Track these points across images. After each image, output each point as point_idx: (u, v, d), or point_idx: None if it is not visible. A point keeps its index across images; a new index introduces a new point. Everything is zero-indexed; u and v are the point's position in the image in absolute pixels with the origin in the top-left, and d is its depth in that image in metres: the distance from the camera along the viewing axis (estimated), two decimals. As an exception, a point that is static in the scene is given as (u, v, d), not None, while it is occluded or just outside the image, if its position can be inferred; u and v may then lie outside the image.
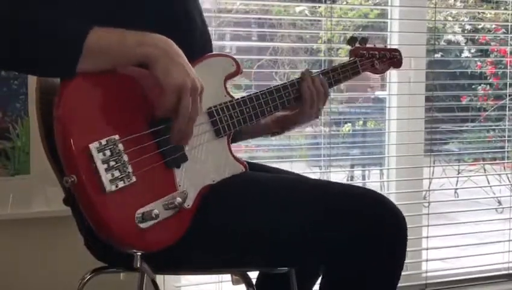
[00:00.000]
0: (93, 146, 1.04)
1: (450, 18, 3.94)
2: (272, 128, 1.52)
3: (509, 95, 2.91)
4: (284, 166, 1.70)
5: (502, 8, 3.15)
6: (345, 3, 2.90)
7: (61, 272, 2.01)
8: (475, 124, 3.19)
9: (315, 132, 2.65)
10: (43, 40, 1.05)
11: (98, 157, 1.04)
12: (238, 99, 1.32)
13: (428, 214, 2.68)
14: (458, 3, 3.89)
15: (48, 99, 1.31)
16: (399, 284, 1.29)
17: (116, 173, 1.06)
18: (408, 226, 1.29)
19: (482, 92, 3.60)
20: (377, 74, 1.66)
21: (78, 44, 1.06)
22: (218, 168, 1.25)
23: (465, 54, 3.94)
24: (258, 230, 1.22)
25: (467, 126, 3.16)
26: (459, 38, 3.96)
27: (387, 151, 2.70)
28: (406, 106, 2.61)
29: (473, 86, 3.53)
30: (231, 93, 1.33)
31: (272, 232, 1.22)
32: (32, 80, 1.95)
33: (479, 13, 3.96)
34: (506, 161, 3.09)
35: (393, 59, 1.65)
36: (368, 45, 1.62)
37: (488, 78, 3.81)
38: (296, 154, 2.73)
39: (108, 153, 1.06)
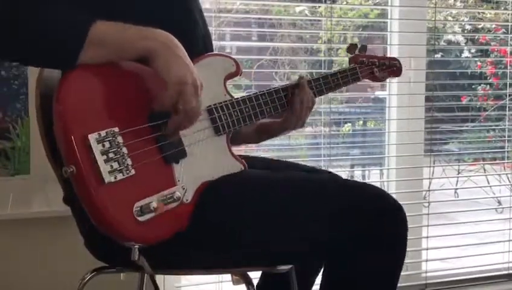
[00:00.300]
0: (92, 137, 1.05)
1: (450, 18, 3.94)
2: (252, 136, 1.51)
3: (509, 95, 2.91)
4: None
5: (502, 8, 3.15)
6: (345, 3, 2.90)
7: (61, 272, 2.01)
8: (475, 124, 3.19)
9: (315, 132, 2.65)
10: (46, 31, 1.05)
11: (97, 148, 1.05)
12: (237, 98, 1.32)
13: (428, 214, 2.68)
14: (458, 3, 3.89)
15: (47, 97, 1.31)
16: (399, 284, 1.30)
17: (115, 165, 1.06)
18: (408, 226, 1.29)
19: (482, 92, 3.60)
20: (377, 81, 1.67)
21: (80, 35, 1.06)
22: (217, 165, 1.26)
23: (465, 54, 3.94)
24: (257, 227, 1.22)
25: (467, 126, 3.15)
26: (459, 38, 3.96)
27: (387, 151, 2.70)
28: (406, 106, 2.61)
29: (473, 86, 3.53)
30: (231, 93, 1.33)
31: (271, 230, 1.23)
32: (32, 80, 1.95)
33: (479, 13, 3.96)
34: (506, 161, 3.09)
35: (392, 67, 1.67)
36: (367, 53, 1.63)
37: (488, 78, 3.81)
38: (296, 154, 2.73)
39: (107, 144, 1.06)
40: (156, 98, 1.13)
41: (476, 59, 3.62)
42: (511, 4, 2.92)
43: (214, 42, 1.50)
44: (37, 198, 2.04)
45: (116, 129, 1.09)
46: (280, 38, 2.97)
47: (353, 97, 3.04)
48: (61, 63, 1.09)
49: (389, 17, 2.65)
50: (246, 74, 2.67)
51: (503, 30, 3.30)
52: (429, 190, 2.84)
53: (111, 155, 1.06)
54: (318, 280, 1.43)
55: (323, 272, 1.35)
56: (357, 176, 3.50)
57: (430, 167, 2.73)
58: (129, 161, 1.08)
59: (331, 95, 2.40)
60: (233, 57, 1.36)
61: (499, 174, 3.53)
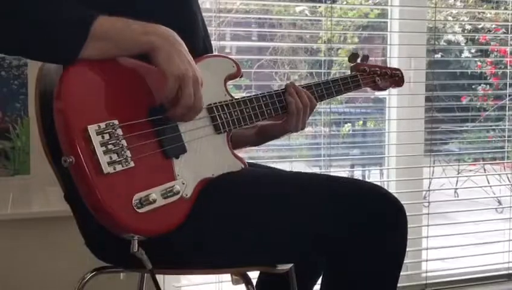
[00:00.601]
0: (92, 128, 1.06)
1: (450, 18, 3.94)
2: (252, 139, 1.52)
3: (509, 95, 2.92)
4: (284, 166, 1.70)
5: (502, 8, 3.15)
6: (345, 3, 2.90)
7: (61, 272, 2.00)
8: (475, 124, 3.19)
9: (315, 132, 2.65)
10: (48, 24, 1.05)
11: (96, 139, 1.06)
12: (238, 99, 1.33)
13: (428, 214, 2.68)
14: (458, 3, 3.89)
15: (47, 96, 1.31)
16: (399, 284, 1.30)
17: (114, 157, 1.07)
18: (408, 226, 1.30)
19: (482, 92, 3.60)
20: (378, 90, 1.68)
21: (83, 29, 1.07)
22: (217, 163, 1.26)
23: (465, 54, 3.94)
24: (257, 225, 1.22)
25: (467, 126, 3.16)
26: (459, 38, 3.96)
27: (387, 151, 2.70)
28: (406, 106, 2.62)
29: (473, 86, 3.53)
30: (231, 93, 1.33)
31: (272, 227, 1.23)
32: (32, 80, 1.95)
33: (479, 13, 3.96)
34: (506, 161, 3.09)
35: (394, 77, 1.67)
36: (369, 62, 1.64)
37: (488, 78, 3.81)
38: (296, 154, 2.74)
39: (107, 136, 1.07)
40: (157, 92, 1.14)
41: (476, 59, 3.62)
42: (511, 4, 2.92)
43: (214, 42, 1.51)
44: (37, 198, 2.05)
45: (116, 122, 1.09)
46: (280, 38, 2.97)
47: (353, 97, 3.04)
48: (63, 57, 1.09)
49: (389, 17, 2.66)
50: (246, 74, 2.67)
51: (503, 30, 3.31)
52: (429, 190, 2.84)
53: (110, 147, 1.07)
54: (318, 280, 1.43)
55: (323, 271, 1.35)
56: (357, 176, 3.50)
57: (430, 167, 2.73)
58: (128, 153, 1.09)
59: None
60: (234, 58, 1.36)
61: (499, 174, 3.53)
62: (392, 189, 2.65)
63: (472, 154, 3.49)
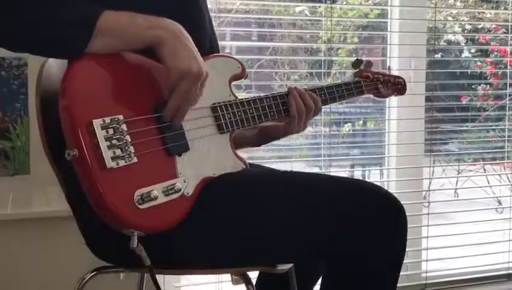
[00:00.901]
0: (96, 122, 1.06)
1: (450, 18, 3.94)
2: (254, 139, 1.52)
3: (509, 95, 2.92)
4: (284, 166, 1.71)
5: (502, 8, 3.15)
6: (345, 3, 2.90)
7: (61, 272, 2.00)
8: (475, 124, 3.19)
9: (315, 132, 2.65)
10: (54, 19, 1.05)
11: (100, 133, 1.06)
12: (242, 99, 1.33)
13: (428, 214, 2.68)
14: (458, 3, 3.89)
15: (47, 96, 1.31)
16: (399, 284, 1.30)
17: (118, 152, 1.07)
18: (408, 226, 1.30)
19: (482, 92, 3.60)
20: (381, 97, 1.68)
21: (89, 24, 1.07)
22: (219, 162, 1.26)
23: (465, 54, 3.94)
24: (257, 225, 1.22)
25: (466, 126, 3.16)
26: (459, 38, 3.96)
27: (387, 151, 2.70)
28: (406, 106, 2.62)
29: (473, 86, 3.53)
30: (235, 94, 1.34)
31: (272, 227, 1.23)
32: (32, 80, 1.95)
33: (479, 13, 3.96)
34: (506, 161, 3.09)
35: (397, 85, 1.68)
36: (372, 69, 1.64)
37: (488, 78, 3.81)
38: (296, 154, 2.74)
39: (111, 131, 1.07)
40: (162, 88, 1.15)
41: (476, 59, 3.62)
42: (511, 4, 2.92)
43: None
44: (37, 198, 2.05)
45: (121, 117, 1.09)
46: (280, 38, 2.97)
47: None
48: (69, 52, 1.10)
49: (389, 17, 2.66)
50: (246, 74, 2.67)
51: (503, 30, 3.31)
52: (429, 190, 2.84)
53: (114, 142, 1.07)
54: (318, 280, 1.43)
55: (323, 271, 1.35)
56: (357, 176, 3.51)
57: (430, 167, 2.73)
58: (132, 149, 1.09)
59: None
60: (239, 57, 1.37)
61: (499, 174, 3.53)
62: (392, 189, 2.65)
63: (472, 154, 3.49)
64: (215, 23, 2.26)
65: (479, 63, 3.63)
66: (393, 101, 2.65)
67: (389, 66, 1.92)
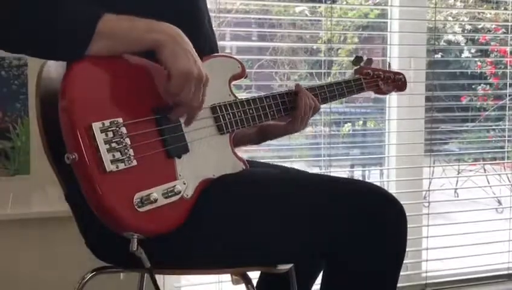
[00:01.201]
0: (96, 125, 1.06)
1: (450, 18, 3.94)
2: (253, 137, 1.52)
3: (509, 95, 2.92)
4: (284, 166, 1.70)
5: (502, 8, 3.15)
6: (345, 3, 2.90)
7: (61, 272, 2.01)
8: (475, 124, 3.19)
9: (315, 132, 2.65)
10: (54, 21, 1.05)
11: (100, 137, 1.06)
12: (242, 99, 1.33)
13: (428, 214, 2.68)
14: (458, 3, 3.89)
15: (47, 96, 1.31)
16: (399, 284, 1.30)
17: (117, 155, 1.07)
18: (408, 226, 1.30)
19: (482, 92, 3.60)
20: (381, 94, 1.69)
21: (89, 27, 1.07)
22: (219, 163, 1.26)
23: (465, 54, 3.94)
24: (257, 226, 1.22)
25: (467, 126, 3.16)
26: (459, 38, 3.96)
27: (387, 151, 2.70)
28: (406, 106, 2.62)
29: (473, 86, 3.53)
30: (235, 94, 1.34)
31: (272, 227, 1.23)
32: (32, 80, 1.95)
33: (479, 13, 3.96)
34: (506, 161, 3.09)
35: (397, 82, 1.68)
36: (373, 66, 1.64)
37: (488, 78, 3.81)
38: (296, 154, 2.74)
39: (110, 134, 1.07)
40: (161, 90, 1.15)
41: (476, 59, 3.62)
42: (511, 4, 2.92)
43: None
44: (37, 198, 2.04)
45: (120, 120, 1.09)
46: (280, 38, 2.97)
47: (353, 97, 3.03)
48: (69, 54, 1.10)
49: (389, 17, 2.66)
50: (246, 74, 2.66)
51: (503, 30, 3.31)
52: (429, 190, 2.84)
53: (114, 145, 1.07)
54: (318, 280, 1.43)
55: (323, 272, 1.35)
56: (357, 176, 3.50)
57: (430, 167, 2.73)
58: (131, 152, 1.09)
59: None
60: (238, 57, 1.37)
61: (499, 174, 3.53)
62: (392, 189, 2.65)
63: (472, 154, 3.49)
64: (215, 23, 2.26)
65: (479, 63, 3.63)
66: (393, 101, 2.65)
67: (389, 63, 1.92)
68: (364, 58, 1.64)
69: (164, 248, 1.15)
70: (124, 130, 1.09)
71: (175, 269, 1.29)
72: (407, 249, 1.30)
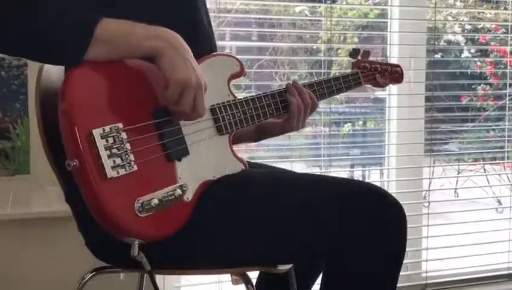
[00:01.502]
0: (96, 132, 1.06)
1: (450, 18, 3.94)
2: (252, 135, 1.52)
3: (509, 95, 2.91)
4: (284, 166, 1.70)
5: (502, 8, 3.15)
6: (345, 3, 2.90)
7: (61, 272, 2.01)
8: (475, 124, 3.19)
9: (315, 132, 2.65)
10: (51, 27, 1.04)
11: (101, 143, 1.05)
12: (241, 99, 1.33)
13: (428, 214, 2.68)
14: (458, 3, 3.89)
15: (47, 96, 1.31)
16: (399, 284, 1.30)
17: (118, 161, 1.07)
18: (408, 226, 1.30)
19: (482, 92, 3.60)
20: (378, 87, 1.68)
21: (87, 32, 1.06)
22: (218, 165, 1.26)
23: (465, 54, 3.94)
24: (256, 227, 1.22)
25: (467, 126, 3.16)
26: (459, 38, 3.96)
27: (387, 151, 2.70)
28: (406, 106, 2.62)
29: (473, 86, 3.53)
30: (234, 93, 1.33)
31: (272, 227, 1.23)
32: (32, 80, 1.95)
33: (479, 13, 3.96)
34: (506, 161, 3.09)
35: (394, 74, 1.68)
36: (370, 59, 1.63)
37: (488, 78, 3.81)
38: (296, 154, 2.73)
39: (111, 140, 1.07)
40: (160, 97, 1.14)
41: (476, 59, 3.62)
42: (511, 4, 2.92)
43: (214, 42, 1.50)
44: (37, 198, 2.04)
45: (121, 125, 1.09)
46: (280, 38, 2.97)
47: (353, 97, 3.04)
48: (67, 60, 1.09)
49: (389, 17, 2.65)
50: (246, 74, 2.66)
51: (503, 30, 3.31)
52: (429, 190, 2.84)
53: (114, 151, 1.07)
54: (318, 280, 1.43)
55: (323, 272, 1.35)
56: (357, 176, 3.51)
57: (430, 167, 2.73)
58: (132, 157, 1.09)
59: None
60: (237, 56, 1.36)
61: (499, 174, 3.53)
62: (392, 189, 2.65)
63: (472, 154, 3.49)
64: (214, 23, 2.26)
65: (478, 63, 3.63)
66: (393, 101, 2.65)
67: (386, 55, 1.92)
68: (361, 50, 1.64)
69: (164, 248, 1.15)
70: (124, 135, 1.09)
71: (175, 269, 1.29)
72: (407, 249, 1.30)
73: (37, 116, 1.31)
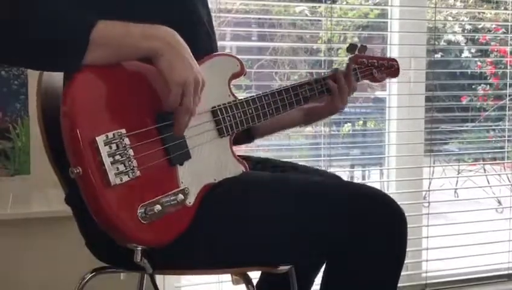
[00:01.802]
0: (100, 139, 1.05)
1: (450, 18, 3.94)
2: (299, 121, 1.59)
3: (509, 95, 2.92)
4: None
5: (502, 8, 3.15)
6: (345, 3, 2.90)
7: (61, 272, 2.01)
8: (475, 124, 3.19)
9: (315, 132, 2.65)
10: (47, 33, 1.03)
11: (104, 150, 1.05)
12: (241, 99, 1.32)
13: (428, 214, 2.68)
14: (458, 3, 3.89)
15: (48, 97, 1.31)
16: (399, 284, 1.30)
17: (121, 167, 1.06)
18: (408, 226, 1.30)
19: (482, 92, 3.60)
20: (375, 82, 1.69)
21: (83, 37, 1.05)
22: (220, 167, 1.26)
23: (465, 54, 3.94)
24: (258, 226, 1.22)
25: (467, 126, 3.16)
26: (459, 38, 3.96)
27: (387, 151, 2.70)
28: (406, 106, 2.62)
29: (473, 86, 3.53)
30: (234, 93, 1.33)
31: (272, 228, 1.23)
32: (32, 80, 1.95)
33: (479, 13, 3.96)
34: (506, 161, 3.09)
35: (391, 68, 1.68)
36: (366, 53, 1.63)
37: (488, 78, 3.81)
38: (296, 154, 2.73)
39: (114, 147, 1.06)
40: (162, 97, 1.13)
41: (476, 59, 3.62)
42: (511, 4, 2.92)
43: (214, 42, 1.50)
44: (37, 198, 2.05)
45: (124, 131, 1.08)
46: (280, 38, 2.97)
47: (353, 97, 3.02)
48: (65, 66, 1.08)
49: (389, 17, 2.66)
50: (246, 74, 2.66)
51: (503, 30, 3.31)
52: (429, 190, 2.84)
53: (117, 157, 1.06)
54: (318, 279, 1.43)
55: (323, 271, 1.35)
56: (357, 176, 3.51)
57: (430, 167, 2.73)
58: (135, 163, 1.08)
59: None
60: (238, 56, 1.36)
61: (499, 174, 3.53)
62: (392, 189, 2.65)
63: (472, 154, 3.49)
64: (215, 23, 2.26)
65: (479, 63, 3.63)
66: (393, 101, 2.65)
67: (383, 50, 1.93)
68: (359, 45, 1.64)
69: (165, 251, 1.14)
70: (127, 141, 1.08)
71: (176, 269, 1.29)
72: (407, 249, 1.30)
73: (38, 117, 1.31)
